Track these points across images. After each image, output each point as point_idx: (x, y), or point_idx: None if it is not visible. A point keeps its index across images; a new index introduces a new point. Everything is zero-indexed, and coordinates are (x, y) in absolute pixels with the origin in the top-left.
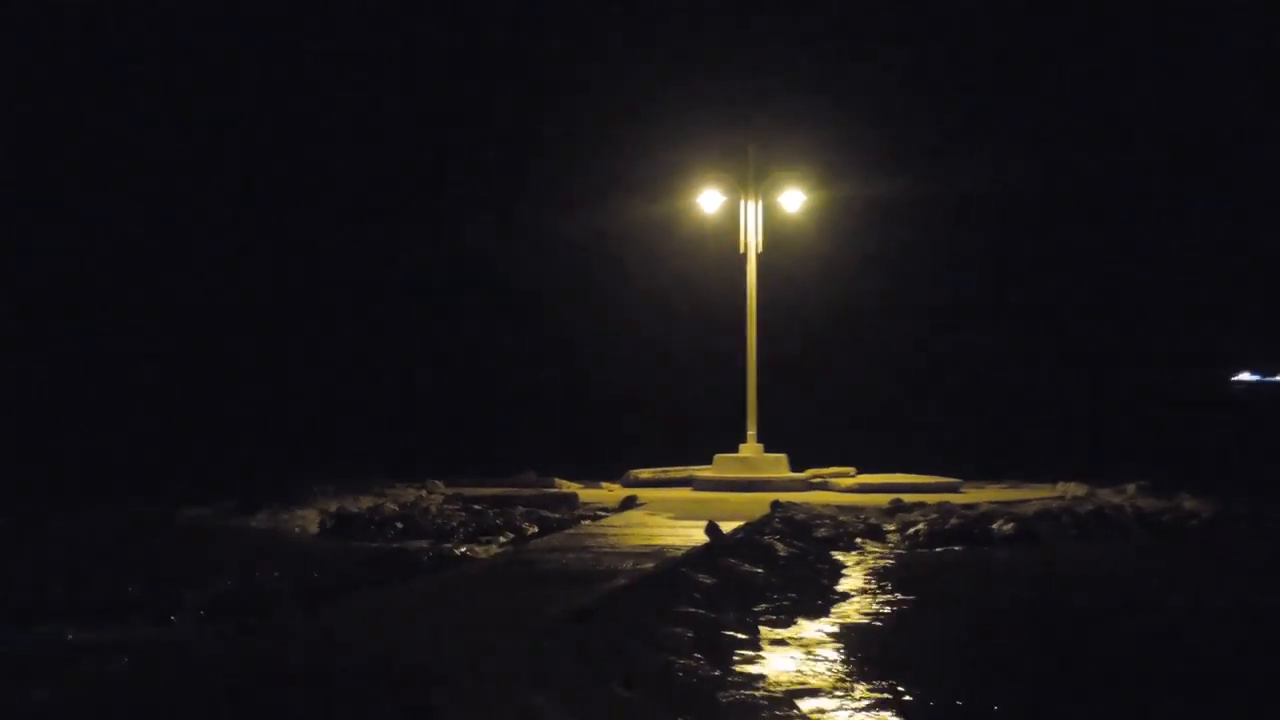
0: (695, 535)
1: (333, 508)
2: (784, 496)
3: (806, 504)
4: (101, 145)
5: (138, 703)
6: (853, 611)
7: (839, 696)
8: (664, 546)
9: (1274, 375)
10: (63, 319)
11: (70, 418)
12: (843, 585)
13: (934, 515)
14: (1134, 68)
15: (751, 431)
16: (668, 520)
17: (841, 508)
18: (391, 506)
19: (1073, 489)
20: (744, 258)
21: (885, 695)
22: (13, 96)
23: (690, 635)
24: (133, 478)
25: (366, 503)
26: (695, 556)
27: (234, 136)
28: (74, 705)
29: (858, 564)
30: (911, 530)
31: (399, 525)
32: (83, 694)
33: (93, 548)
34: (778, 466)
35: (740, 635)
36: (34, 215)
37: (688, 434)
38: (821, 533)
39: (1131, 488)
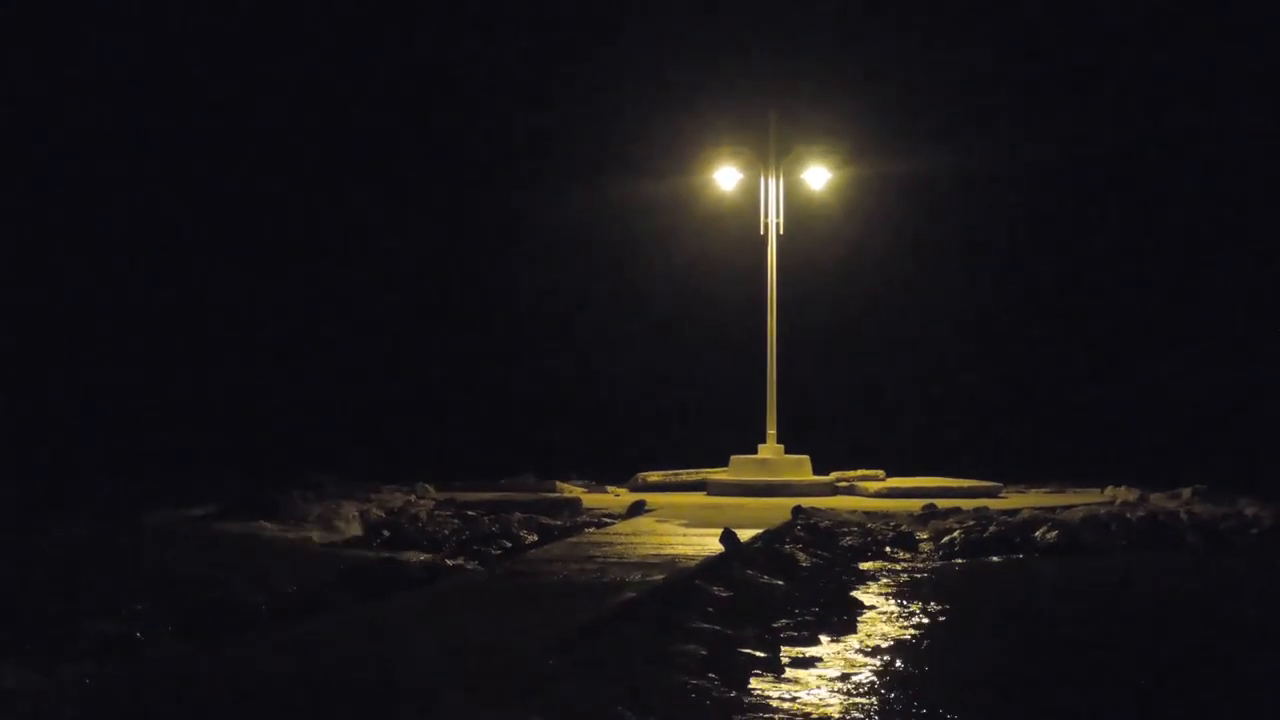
0: (709, 544)
1: (314, 514)
2: (806, 502)
3: (831, 510)
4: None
5: None
6: (882, 628)
7: None
8: (675, 556)
9: None
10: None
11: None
12: (871, 599)
13: (970, 522)
14: (1209, 25)
15: (771, 431)
16: (679, 528)
17: (869, 514)
18: (377, 513)
19: (1122, 494)
20: (764, 240)
21: None
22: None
23: (704, 653)
24: (96, 479)
25: (350, 509)
26: (709, 567)
27: (220, 124)
28: None
29: (887, 575)
30: (946, 539)
31: (385, 533)
32: None
33: (63, 556)
34: (800, 469)
35: (759, 654)
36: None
37: (701, 433)
38: (848, 541)
39: (1187, 492)
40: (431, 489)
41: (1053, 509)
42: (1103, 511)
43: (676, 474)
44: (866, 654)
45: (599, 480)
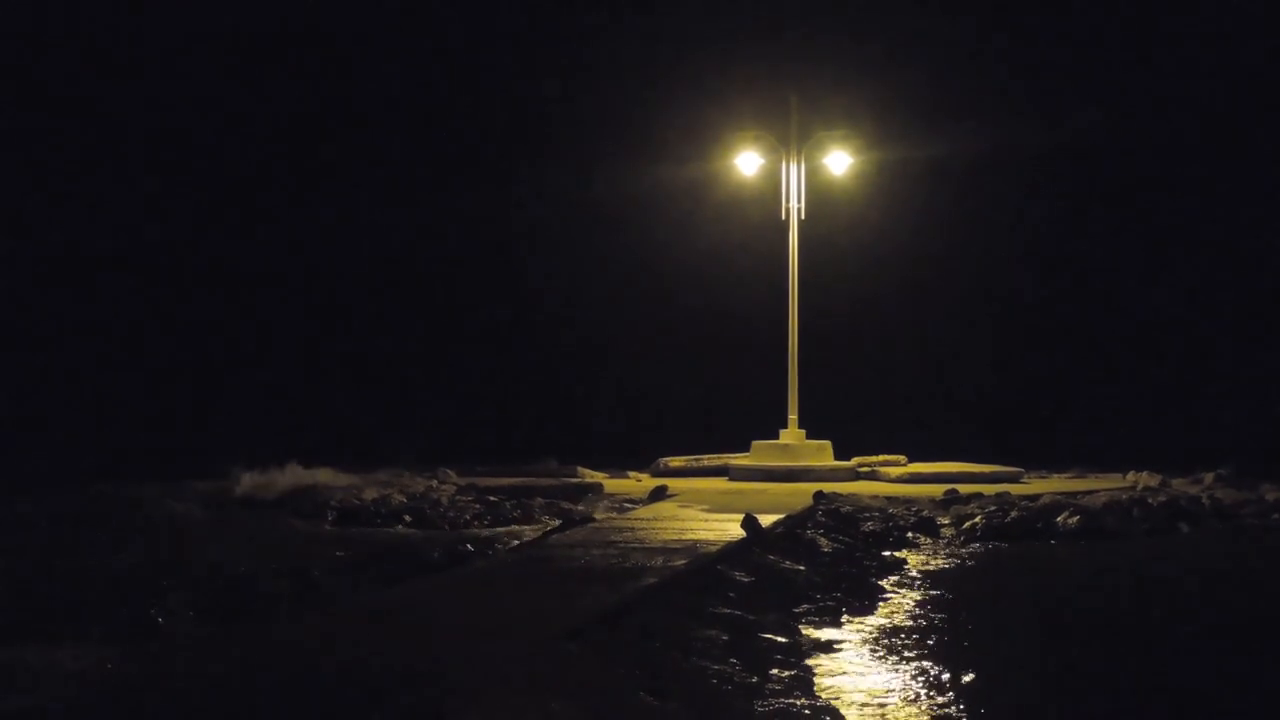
0: (731, 529)
1: (335, 500)
2: (828, 487)
3: (852, 495)
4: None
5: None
6: (903, 613)
7: (888, 707)
8: (697, 542)
9: None
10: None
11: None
12: (892, 584)
13: (992, 507)
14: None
15: (793, 416)
16: (701, 513)
17: (891, 499)
18: (399, 498)
19: (1144, 479)
20: (785, 225)
21: (942, 707)
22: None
23: (725, 638)
24: (118, 460)
25: (371, 494)
26: (731, 553)
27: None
28: None
29: (909, 561)
30: (968, 524)
31: (407, 519)
32: None
33: (87, 533)
34: (821, 454)
35: (780, 638)
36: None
37: (723, 419)
38: (869, 526)
39: (1209, 477)
40: (453, 474)
41: (1074, 494)
42: (1124, 497)
43: (698, 459)
44: (887, 639)
45: (621, 465)
